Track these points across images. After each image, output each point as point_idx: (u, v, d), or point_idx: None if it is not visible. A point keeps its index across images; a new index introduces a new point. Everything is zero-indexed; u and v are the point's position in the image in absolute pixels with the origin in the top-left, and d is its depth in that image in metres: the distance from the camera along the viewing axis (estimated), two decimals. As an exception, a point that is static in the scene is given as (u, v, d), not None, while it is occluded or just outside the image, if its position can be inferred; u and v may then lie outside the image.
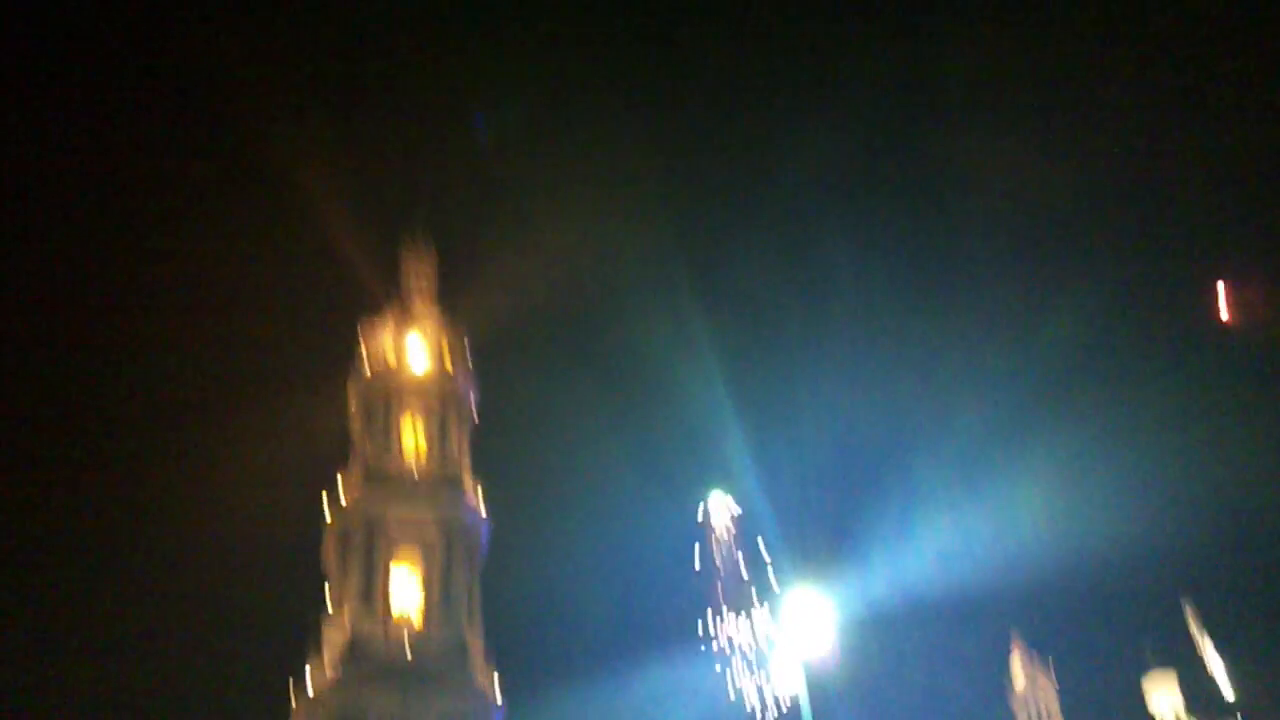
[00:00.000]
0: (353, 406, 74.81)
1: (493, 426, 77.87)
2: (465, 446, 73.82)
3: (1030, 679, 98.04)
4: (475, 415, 75.53)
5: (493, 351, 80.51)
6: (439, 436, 73.09)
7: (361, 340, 76.76)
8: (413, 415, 73.64)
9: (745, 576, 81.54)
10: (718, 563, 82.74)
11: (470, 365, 77.02)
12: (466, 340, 77.76)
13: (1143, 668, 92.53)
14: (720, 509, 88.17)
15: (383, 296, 79.78)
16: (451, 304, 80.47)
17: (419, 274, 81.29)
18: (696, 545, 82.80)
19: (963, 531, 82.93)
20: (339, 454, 73.57)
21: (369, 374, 74.98)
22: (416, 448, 72.80)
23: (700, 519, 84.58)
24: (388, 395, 73.81)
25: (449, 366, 76.08)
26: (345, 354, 76.60)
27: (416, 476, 70.78)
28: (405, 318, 78.11)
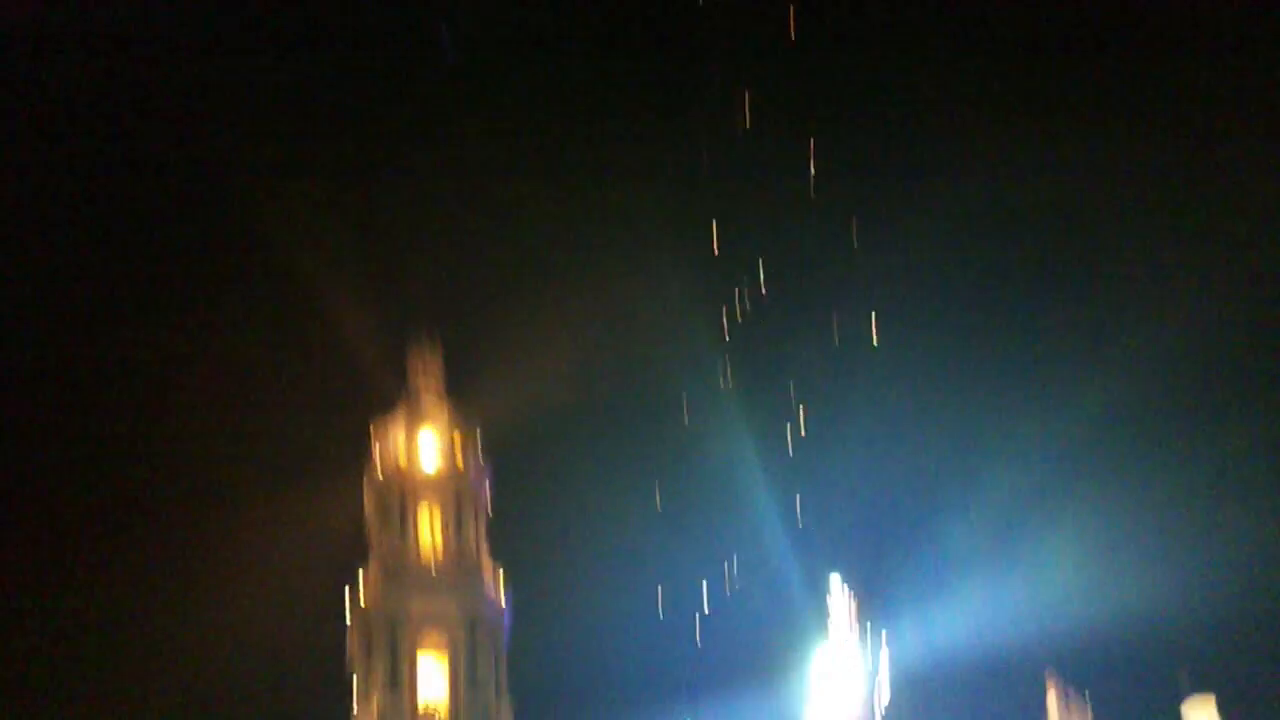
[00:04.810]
0: (367, 504, 76.41)
1: (511, 513, 79.33)
2: (482, 537, 75.07)
3: (1064, 705, 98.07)
4: (490, 506, 77.07)
5: (507, 440, 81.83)
6: (455, 530, 74.38)
7: (373, 438, 78.53)
8: (428, 510, 75.04)
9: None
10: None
11: (483, 457, 78.52)
12: (479, 432, 79.27)
13: (1180, 695, 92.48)
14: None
15: (393, 394, 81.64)
16: (463, 398, 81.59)
17: (428, 370, 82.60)
18: (698, 617, 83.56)
19: (994, 591, 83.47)
20: (356, 551, 75.12)
21: (382, 472, 76.61)
22: (433, 542, 74.26)
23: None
24: (402, 492, 75.24)
25: (461, 461, 77.42)
26: (358, 452, 77.86)
27: (435, 571, 72.13)
28: (416, 414, 79.64)
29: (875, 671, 76.16)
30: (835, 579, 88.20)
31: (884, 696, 75.86)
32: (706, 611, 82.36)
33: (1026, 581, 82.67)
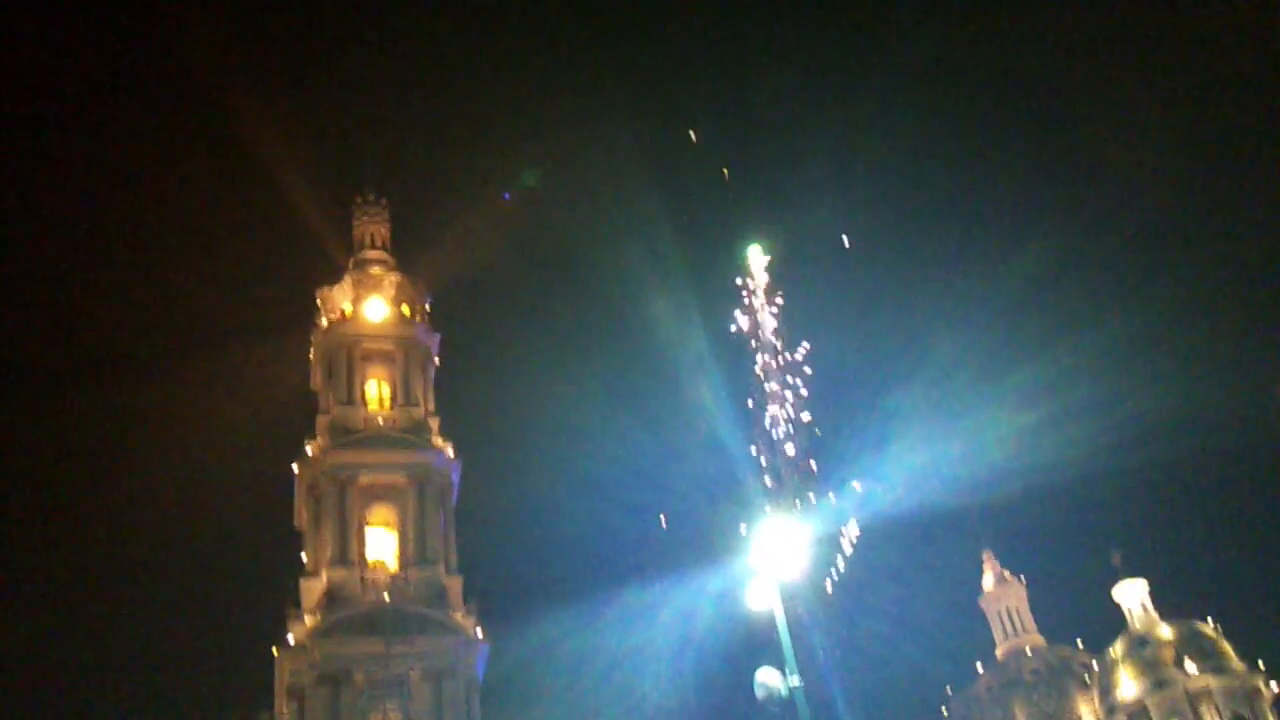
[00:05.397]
0: (314, 361, 75.08)
1: (460, 370, 78.51)
2: (429, 393, 74.14)
3: (1000, 581, 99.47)
4: (437, 361, 75.96)
5: (454, 297, 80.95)
6: (402, 385, 73.34)
7: (319, 296, 77.10)
8: (374, 366, 73.88)
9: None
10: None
11: (429, 312, 77.46)
12: (425, 289, 78.22)
13: (1113, 576, 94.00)
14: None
15: (338, 252, 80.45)
16: (407, 255, 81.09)
17: (372, 228, 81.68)
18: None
19: (935, 454, 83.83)
20: (304, 410, 73.92)
21: (327, 328, 75.17)
22: (380, 398, 73.15)
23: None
24: (348, 348, 73.81)
25: (407, 316, 76.33)
26: (304, 310, 77.05)
27: (382, 426, 70.98)
28: (363, 275, 78.25)
29: (840, 527, 76.47)
30: (754, 249, 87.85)
31: (846, 550, 76.39)
32: (663, 518, 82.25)
33: (966, 450, 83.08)
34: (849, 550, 75.73)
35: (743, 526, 73.23)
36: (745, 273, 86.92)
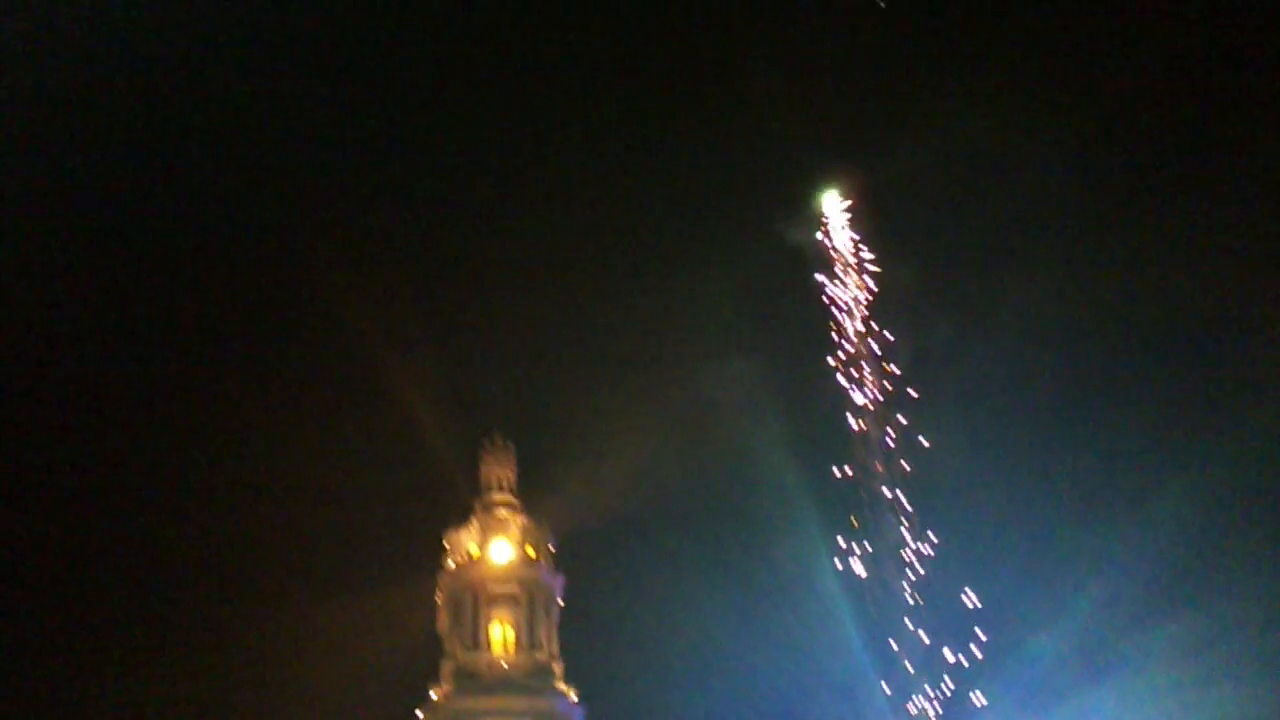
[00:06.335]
0: (440, 604, 75.48)
1: (584, 610, 78.12)
2: (554, 636, 73.96)
3: None
4: (561, 603, 75.75)
5: (578, 537, 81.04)
6: (526, 628, 73.38)
7: (446, 539, 77.91)
8: (499, 609, 74.18)
9: None
10: None
11: (554, 555, 77.59)
12: (549, 531, 78.51)
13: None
14: None
15: (465, 495, 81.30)
16: (533, 498, 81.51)
17: (500, 471, 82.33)
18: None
19: (1084, 706, 79.93)
20: (430, 652, 74.05)
21: (454, 571, 75.74)
22: (505, 641, 73.15)
23: None
24: (474, 591, 74.40)
25: (532, 558, 76.58)
26: (431, 552, 77.71)
27: (506, 670, 71.09)
28: (488, 515, 79.00)
29: None
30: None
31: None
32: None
33: (1117, 705, 79.09)
34: None
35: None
36: (869, 504, 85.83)
